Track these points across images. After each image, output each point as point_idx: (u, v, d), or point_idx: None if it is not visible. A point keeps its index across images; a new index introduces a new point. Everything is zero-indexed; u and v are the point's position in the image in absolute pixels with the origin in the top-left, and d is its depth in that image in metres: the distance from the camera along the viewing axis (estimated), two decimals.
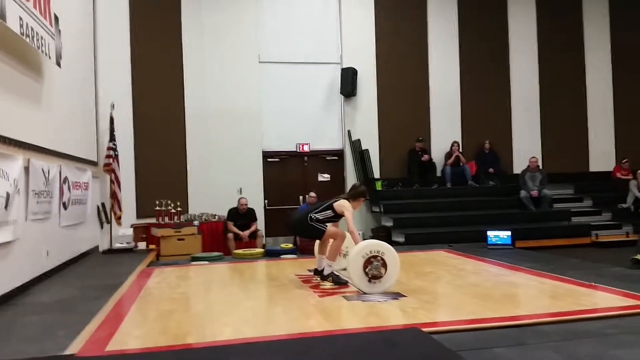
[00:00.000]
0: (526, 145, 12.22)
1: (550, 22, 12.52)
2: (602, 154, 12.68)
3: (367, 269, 4.97)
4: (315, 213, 5.59)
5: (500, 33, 12.38)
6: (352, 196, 5.67)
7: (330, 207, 5.60)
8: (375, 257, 4.98)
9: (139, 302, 5.04)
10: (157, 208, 9.54)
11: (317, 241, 6.16)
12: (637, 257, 7.30)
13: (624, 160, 12.14)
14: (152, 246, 9.05)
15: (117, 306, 4.84)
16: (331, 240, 5.65)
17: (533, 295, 5.04)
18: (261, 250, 8.39)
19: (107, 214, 9.47)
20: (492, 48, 12.31)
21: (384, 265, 4.98)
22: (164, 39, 10.71)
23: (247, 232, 9.56)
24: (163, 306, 4.76)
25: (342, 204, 5.55)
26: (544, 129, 12.49)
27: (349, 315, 4.31)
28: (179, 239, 8.95)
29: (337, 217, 5.60)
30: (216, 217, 10.10)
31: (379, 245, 5.11)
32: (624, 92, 12.78)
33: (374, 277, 4.95)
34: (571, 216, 11.06)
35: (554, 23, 12.53)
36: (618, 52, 12.83)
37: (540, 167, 11.57)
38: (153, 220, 9.65)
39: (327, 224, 5.61)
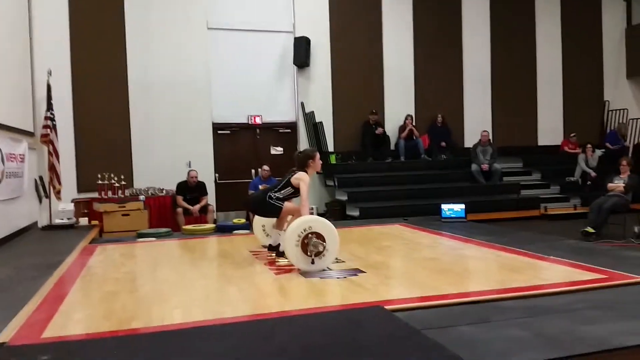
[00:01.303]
0: (477, 119, 12.28)
1: None
2: (550, 128, 12.91)
3: (308, 252, 4.70)
4: (275, 192, 5.35)
5: (454, 6, 12.29)
6: (301, 165, 5.42)
7: (289, 184, 5.36)
8: (307, 236, 4.70)
9: (80, 282, 4.67)
10: (100, 182, 9.02)
11: (256, 217, 5.97)
12: (587, 229, 7.45)
13: (572, 135, 12.40)
14: (94, 222, 8.56)
15: (57, 287, 4.47)
16: (289, 217, 5.42)
17: (493, 269, 4.98)
18: (212, 225, 8.06)
19: (46, 188, 8.90)
20: (445, 21, 12.22)
21: (319, 237, 4.73)
22: (105, 1, 10.02)
23: (197, 207, 9.21)
24: (106, 287, 4.42)
25: (298, 177, 5.30)
26: (494, 103, 12.59)
27: (308, 294, 4.11)
28: (123, 215, 8.50)
29: (297, 192, 5.36)
30: (164, 191, 9.66)
31: (303, 223, 4.79)
32: (573, 68, 13.01)
33: (317, 255, 4.72)
34: (520, 189, 11.25)
35: None
36: (568, 29, 12.99)
37: (491, 141, 11.66)
38: (95, 195, 9.13)
39: (286, 201, 5.37)
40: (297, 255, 4.74)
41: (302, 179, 5.29)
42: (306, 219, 4.90)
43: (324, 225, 4.85)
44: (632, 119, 13.02)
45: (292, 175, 5.38)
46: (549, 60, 12.92)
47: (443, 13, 12.20)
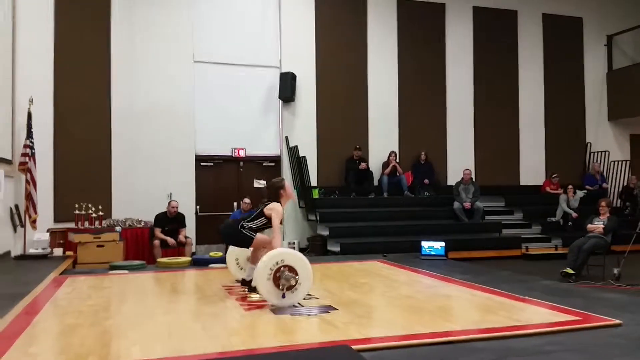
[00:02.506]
0: (460, 158, 12.31)
1: (486, 38, 12.73)
2: (532, 168, 12.98)
3: (280, 286, 4.60)
4: (248, 222, 5.27)
5: (439, 47, 12.47)
6: (273, 196, 5.38)
7: (262, 214, 5.29)
8: (279, 269, 4.61)
9: (42, 314, 4.52)
10: (77, 212, 8.87)
11: (229, 249, 5.90)
12: (566, 270, 7.40)
13: (554, 175, 12.47)
14: (69, 253, 8.38)
15: (17, 319, 4.32)
16: (262, 249, 5.32)
17: (466, 308, 4.90)
18: (188, 258, 7.91)
19: (21, 217, 8.73)
20: (430, 61, 12.37)
21: (292, 270, 4.63)
22: (90, 32, 10.09)
23: (181, 238, 8.99)
24: (68, 320, 4.28)
25: (270, 207, 5.25)
26: (477, 143, 12.67)
27: (275, 331, 3.99)
28: (98, 246, 8.35)
29: (270, 222, 5.29)
30: (142, 222, 9.51)
31: (276, 256, 4.70)
32: (555, 110, 13.17)
33: (289, 289, 4.63)
34: (502, 228, 11.22)
35: (490, 39, 12.76)
36: (550, 72, 13.21)
37: (474, 180, 11.69)
38: (72, 225, 8.97)
39: (258, 233, 5.28)
40: (269, 288, 4.63)
41: (274, 209, 5.23)
42: (279, 252, 4.81)
43: (296, 259, 4.76)
44: (613, 161, 13.16)
45: (265, 206, 5.32)
46: (531, 101, 13.09)
47: (428, 52, 12.38)
